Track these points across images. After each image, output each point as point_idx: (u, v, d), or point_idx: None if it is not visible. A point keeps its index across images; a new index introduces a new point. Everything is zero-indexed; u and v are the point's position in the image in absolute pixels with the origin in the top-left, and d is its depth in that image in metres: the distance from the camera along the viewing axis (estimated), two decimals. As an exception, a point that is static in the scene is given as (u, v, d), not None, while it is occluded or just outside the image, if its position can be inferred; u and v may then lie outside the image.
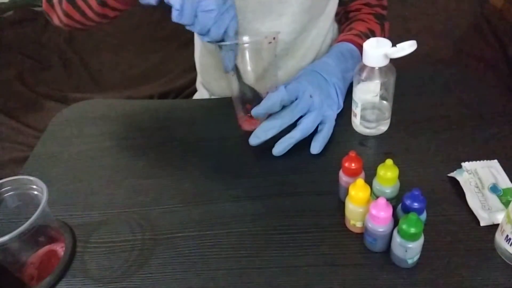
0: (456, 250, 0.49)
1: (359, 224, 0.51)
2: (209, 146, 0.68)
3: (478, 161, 0.58)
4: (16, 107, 1.50)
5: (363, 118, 0.64)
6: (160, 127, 0.74)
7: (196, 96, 0.98)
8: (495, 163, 0.58)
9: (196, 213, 0.57)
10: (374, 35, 0.76)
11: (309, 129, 0.62)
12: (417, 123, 0.67)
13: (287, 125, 0.61)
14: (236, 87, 0.63)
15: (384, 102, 0.64)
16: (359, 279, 0.48)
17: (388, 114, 0.65)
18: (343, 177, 0.53)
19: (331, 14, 0.80)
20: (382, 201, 0.46)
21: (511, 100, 0.69)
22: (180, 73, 1.57)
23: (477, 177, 0.56)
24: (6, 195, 0.52)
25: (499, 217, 0.50)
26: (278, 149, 0.62)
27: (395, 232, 0.46)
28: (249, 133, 0.65)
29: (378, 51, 0.56)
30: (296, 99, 0.62)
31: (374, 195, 0.52)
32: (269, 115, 0.62)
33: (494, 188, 0.54)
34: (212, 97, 0.91)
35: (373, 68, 0.58)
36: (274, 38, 0.61)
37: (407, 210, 0.48)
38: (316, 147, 0.62)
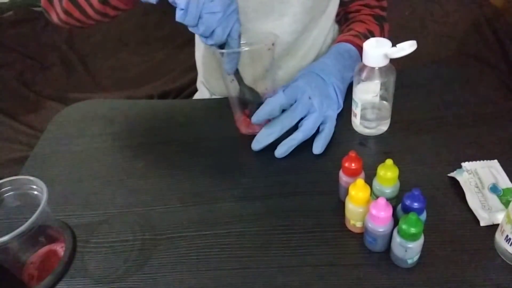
0: (456, 250, 0.49)
1: (359, 224, 0.51)
2: (209, 146, 0.68)
3: (478, 161, 0.58)
4: (16, 107, 1.50)
5: (363, 118, 0.64)
6: (160, 127, 0.74)
7: (197, 96, 0.98)
8: (495, 163, 0.58)
9: (196, 213, 0.57)
10: (373, 36, 0.76)
11: (310, 130, 0.62)
12: (417, 123, 0.67)
13: (288, 129, 0.62)
14: (234, 90, 0.63)
15: (384, 102, 0.64)
16: (359, 279, 0.48)
17: (388, 114, 0.65)
18: (343, 177, 0.53)
19: (332, 14, 0.80)
20: (382, 201, 0.46)
21: (511, 100, 0.69)
22: (180, 73, 1.57)
23: (477, 177, 0.56)
24: (6, 195, 0.52)
25: (499, 217, 0.50)
26: (280, 151, 0.62)
27: (395, 232, 0.46)
28: (248, 135, 0.65)
29: (378, 51, 0.56)
30: (295, 102, 0.62)
31: (374, 195, 0.52)
32: (268, 119, 0.62)
33: (494, 188, 0.54)
34: (213, 96, 0.91)
35: (373, 68, 0.58)
36: (273, 44, 0.60)
37: (407, 210, 0.48)
38: (318, 147, 0.62)
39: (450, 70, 0.78)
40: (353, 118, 0.66)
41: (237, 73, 0.60)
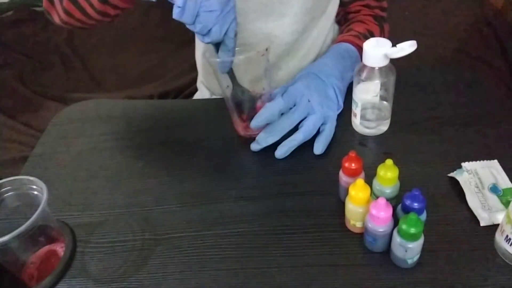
0: (456, 250, 0.49)
1: (359, 224, 0.51)
2: (209, 146, 0.68)
3: (478, 161, 0.58)
4: (16, 107, 1.50)
5: (363, 118, 0.64)
6: (160, 127, 0.74)
7: (197, 96, 0.98)
8: (495, 163, 0.58)
9: (196, 213, 0.57)
10: (372, 36, 0.76)
11: (311, 131, 0.62)
12: (417, 123, 0.67)
13: (287, 131, 0.62)
14: (230, 91, 0.63)
15: (384, 102, 0.64)
16: (359, 279, 0.48)
17: (388, 114, 0.65)
18: (343, 177, 0.53)
19: (332, 14, 0.80)
20: (382, 201, 0.46)
21: (511, 100, 0.69)
22: (180, 73, 1.57)
23: (477, 177, 0.56)
24: (6, 195, 0.52)
25: (499, 217, 0.50)
26: (281, 152, 0.62)
27: (395, 232, 0.46)
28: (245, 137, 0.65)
29: (378, 51, 0.56)
30: (294, 106, 0.63)
31: (374, 195, 0.52)
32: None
33: (494, 188, 0.54)
34: (213, 96, 0.91)
35: (373, 68, 0.58)
36: (266, 49, 0.60)
37: (407, 210, 0.48)
38: (319, 148, 0.62)
39: (450, 70, 0.78)
40: (353, 118, 0.66)
41: (231, 73, 0.60)
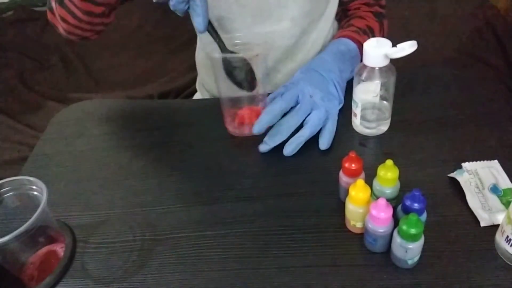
0: (456, 250, 0.49)
1: (359, 225, 0.51)
2: (209, 146, 0.68)
3: (478, 161, 0.58)
4: (16, 107, 1.50)
5: (363, 118, 0.64)
6: (160, 127, 0.74)
7: (196, 97, 0.98)
8: (495, 163, 0.57)
9: (196, 214, 0.57)
10: (372, 32, 0.76)
11: (316, 126, 0.62)
12: (417, 123, 0.66)
13: (294, 129, 0.62)
14: (226, 89, 0.63)
15: (385, 102, 0.64)
16: (359, 280, 0.48)
17: (388, 114, 0.64)
18: (343, 178, 0.53)
19: (331, 16, 0.80)
20: (382, 201, 0.45)
21: (511, 100, 0.69)
22: (180, 73, 1.57)
23: (478, 177, 0.56)
24: (5, 195, 0.52)
25: (500, 218, 0.50)
26: (289, 149, 0.62)
27: (395, 232, 0.46)
28: (248, 136, 0.65)
29: (379, 51, 0.56)
30: (297, 104, 0.62)
31: (374, 196, 0.52)
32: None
33: (494, 189, 0.54)
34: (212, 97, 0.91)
35: (373, 68, 0.58)
36: (256, 55, 0.60)
37: (407, 210, 0.48)
38: (324, 143, 0.62)
39: (450, 70, 0.78)
40: (353, 118, 0.66)
41: (217, 38, 0.59)
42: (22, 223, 0.46)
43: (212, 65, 0.63)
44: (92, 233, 0.57)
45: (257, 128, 0.61)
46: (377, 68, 0.58)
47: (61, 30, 0.69)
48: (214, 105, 0.80)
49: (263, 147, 0.63)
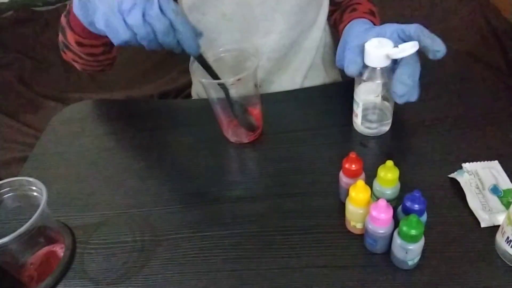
0: (456, 251, 0.49)
1: (359, 226, 0.51)
2: (209, 146, 0.68)
3: (478, 162, 0.58)
4: (16, 107, 1.50)
5: (364, 118, 0.64)
6: (160, 127, 0.74)
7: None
8: (495, 164, 0.57)
9: (196, 214, 0.57)
10: (375, 14, 0.73)
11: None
12: (417, 124, 0.66)
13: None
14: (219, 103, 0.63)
15: (386, 102, 0.63)
16: (359, 281, 0.47)
17: (389, 114, 0.64)
18: (343, 178, 0.53)
19: (322, 22, 0.78)
20: (382, 202, 0.45)
21: (511, 100, 0.69)
22: (180, 73, 1.57)
23: (478, 178, 0.56)
24: (5, 196, 0.52)
25: (500, 219, 0.50)
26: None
27: (395, 233, 0.46)
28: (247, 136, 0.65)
29: (380, 51, 0.56)
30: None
31: (375, 197, 0.52)
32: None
33: (494, 189, 0.54)
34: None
35: (374, 68, 0.58)
36: (238, 80, 0.58)
37: (407, 211, 0.47)
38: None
39: (450, 70, 0.78)
40: (354, 119, 0.66)
41: (212, 72, 0.58)
42: (22, 224, 0.46)
43: (207, 93, 0.63)
44: (92, 233, 0.56)
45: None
46: (379, 68, 0.58)
47: (79, 68, 0.73)
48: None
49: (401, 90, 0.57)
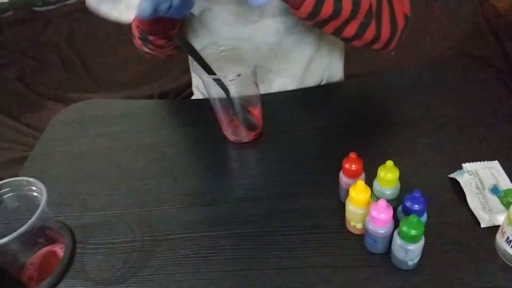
0: (456, 251, 0.49)
1: (359, 226, 0.51)
2: (209, 147, 0.68)
3: (478, 162, 0.58)
4: (16, 107, 1.50)
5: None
6: (160, 127, 0.74)
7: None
8: (495, 164, 0.57)
9: (196, 214, 0.57)
10: None
11: None
12: (418, 124, 0.66)
13: None
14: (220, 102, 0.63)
15: None
16: (360, 281, 0.47)
17: None
18: (343, 178, 0.53)
19: None
20: (382, 202, 0.45)
21: (511, 100, 0.69)
22: (180, 73, 1.57)
23: (478, 178, 0.56)
24: (5, 196, 0.52)
25: (500, 219, 0.50)
26: None
27: (395, 234, 0.46)
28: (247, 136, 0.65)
29: None
30: None
31: (375, 197, 0.52)
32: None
33: (494, 189, 0.54)
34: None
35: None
36: (238, 75, 0.58)
37: (407, 211, 0.47)
38: None
39: (450, 70, 0.78)
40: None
41: (203, 64, 0.59)
42: (22, 224, 0.46)
43: (205, 87, 0.63)
44: (92, 233, 0.56)
45: None
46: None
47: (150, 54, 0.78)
48: (214, 105, 0.80)
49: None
